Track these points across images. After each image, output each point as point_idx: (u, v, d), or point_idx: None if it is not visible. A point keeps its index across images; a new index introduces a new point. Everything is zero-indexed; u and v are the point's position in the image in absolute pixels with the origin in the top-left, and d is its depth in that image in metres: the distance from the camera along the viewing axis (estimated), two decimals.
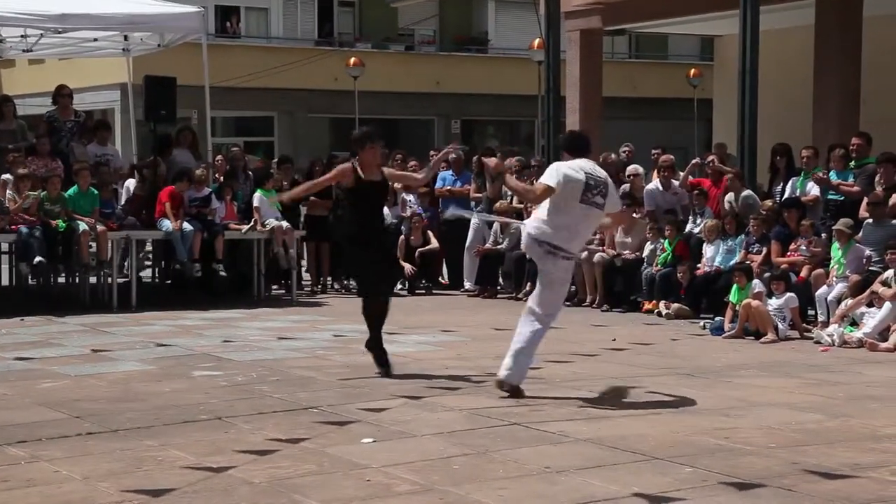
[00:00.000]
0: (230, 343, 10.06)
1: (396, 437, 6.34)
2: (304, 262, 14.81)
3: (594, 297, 13.12)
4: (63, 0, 13.42)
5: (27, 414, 6.97)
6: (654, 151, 14.60)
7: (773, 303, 10.64)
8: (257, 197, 13.70)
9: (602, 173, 7.72)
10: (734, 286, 10.91)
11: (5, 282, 14.67)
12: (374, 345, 8.42)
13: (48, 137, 13.77)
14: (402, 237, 14.72)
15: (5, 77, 30.12)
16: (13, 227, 12.45)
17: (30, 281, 14.20)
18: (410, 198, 15.28)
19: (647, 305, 12.54)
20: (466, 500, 5.08)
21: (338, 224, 8.87)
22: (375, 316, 8.41)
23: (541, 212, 7.61)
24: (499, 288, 14.72)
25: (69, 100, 14.42)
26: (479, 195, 15.15)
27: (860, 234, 11.19)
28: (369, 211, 8.48)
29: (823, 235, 11.56)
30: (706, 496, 5.17)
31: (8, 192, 12.65)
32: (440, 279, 15.45)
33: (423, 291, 14.79)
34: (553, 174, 7.50)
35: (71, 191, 12.89)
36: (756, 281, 10.87)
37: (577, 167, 7.52)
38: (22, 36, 15.16)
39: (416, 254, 14.74)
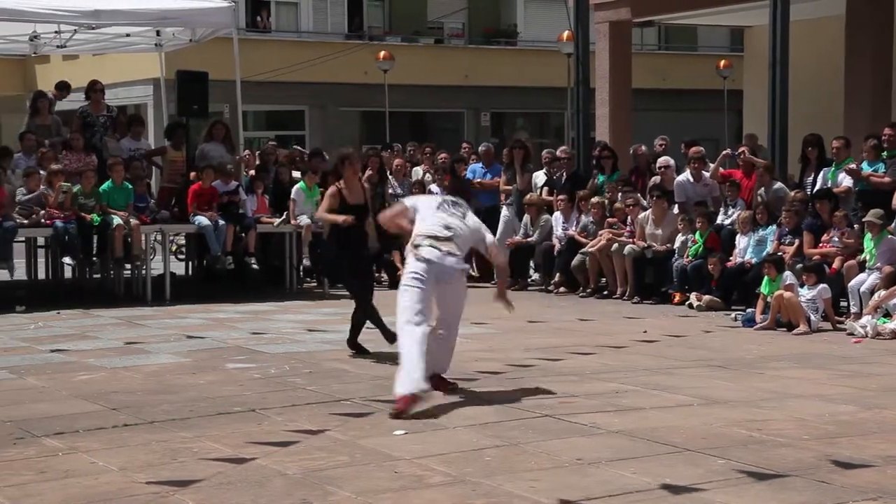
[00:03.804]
0: (263, 336, 10.10)
1: (428, 428, 6.35)
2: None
3: (625, 289, 13.07)
4: None
5: (64, 406, 7.03)
6: (682, 144, 14.56)
7: (806, 294, 10.57)
8: (296, 190, 13.73)
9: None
10: (765, 278, 10.84)
11: (41, 275, 14.82)
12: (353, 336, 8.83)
13: (81, 132, 13.92)
14: None
15: (39, 73, 30.34)
16: (48, 221, 12.58)
17: (66, 275, 14.33)
18: (437, 191, 15.25)
19: (678, 297, 12.49)
20: (498, 491, 5.09)
21: (323, 247, 9.04)
22: (368, 316, 8.79)
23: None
24: (529, 280, 14.71)
25: (101, 94, 14.54)
26: (509, 188, 15.13)
27: (893, 224, 11.09)
28: (358, 231, 8.61)
29: (856, 226, 11.47)
30: (738, 488, 5.15)
31: (41, 187, 12.77)
32: (470, 272, 15.41)
33: None
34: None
35: (105, 185, 12.99)
36: (787, 273, 10.79)
37: None
38: (56, 32, 15.27)
39: None
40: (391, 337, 8.53)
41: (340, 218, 8.51)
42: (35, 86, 26.47)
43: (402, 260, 14.35)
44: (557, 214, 14.26)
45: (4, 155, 13.71)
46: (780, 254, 11.41)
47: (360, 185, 8.93)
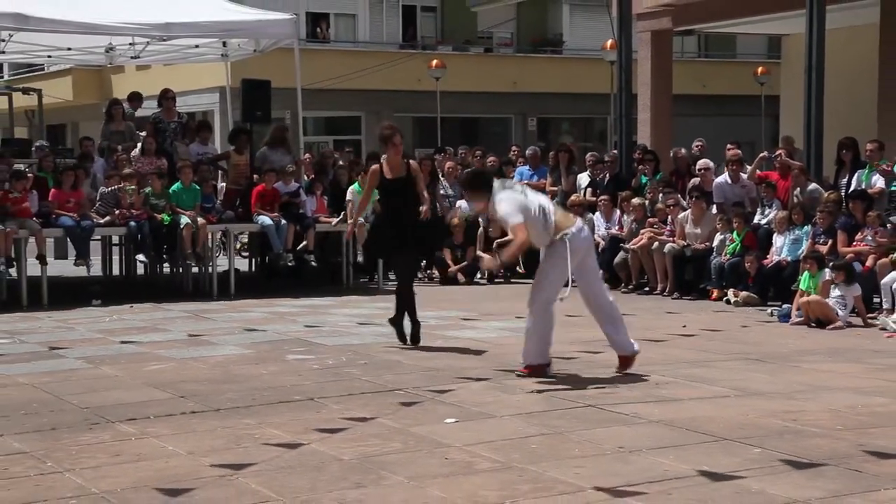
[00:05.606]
0: (321, 329, 10.15)
1: (477, 417, 6.35)
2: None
3: (665, 286, 12.99)
4: (167, 10, 13.65)
5: (136, 393, 7.12)
6: (728, 146, 14.41)
7: (836, 291, 10.41)
8: (351, 191, 13.81)
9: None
10: (805, 273, 10.70)
11: (116, 271, 15.02)
12: (397, 321, 9.01)
13: (154, 137, 14.09)
14: (480, 229, 14.73)
15: (115, 82, 30.73)
16: (122, 221, 12.76)
17: (138, 271, 14.52)
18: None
19: (716, 293, 12.39)
20: (544, 477, 5.08)
21: (375, 220, 9.15)
22: (404, 299, 8.97)
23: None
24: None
25: (173, 102, 14.71)
26: (555, 189, 15.08)
27: None
28: (399, 204, 8.77)
29: (889, 226, 11.30)
30: (774, 476, 5.09)
31: (116, 187, 12.97)
32: (517, 268, 15.39)
33: (502, 280, 14.77)
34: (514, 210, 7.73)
35: (175, 187, 13.14)
36: (827, 270, 10.64)
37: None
38: (130, 44, 15.47)
39: (495, 244, 14.68)
40: (400, 334, 8.90)
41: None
42: (111, 94, 26.82)
43: (454, 258, 14.47)
44: (598, 214, 14.19)
45: (86, 158, 13.94)
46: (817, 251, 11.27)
47: (399, 160, 8.89)
